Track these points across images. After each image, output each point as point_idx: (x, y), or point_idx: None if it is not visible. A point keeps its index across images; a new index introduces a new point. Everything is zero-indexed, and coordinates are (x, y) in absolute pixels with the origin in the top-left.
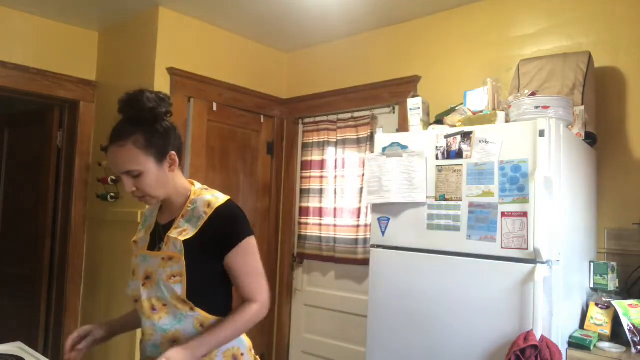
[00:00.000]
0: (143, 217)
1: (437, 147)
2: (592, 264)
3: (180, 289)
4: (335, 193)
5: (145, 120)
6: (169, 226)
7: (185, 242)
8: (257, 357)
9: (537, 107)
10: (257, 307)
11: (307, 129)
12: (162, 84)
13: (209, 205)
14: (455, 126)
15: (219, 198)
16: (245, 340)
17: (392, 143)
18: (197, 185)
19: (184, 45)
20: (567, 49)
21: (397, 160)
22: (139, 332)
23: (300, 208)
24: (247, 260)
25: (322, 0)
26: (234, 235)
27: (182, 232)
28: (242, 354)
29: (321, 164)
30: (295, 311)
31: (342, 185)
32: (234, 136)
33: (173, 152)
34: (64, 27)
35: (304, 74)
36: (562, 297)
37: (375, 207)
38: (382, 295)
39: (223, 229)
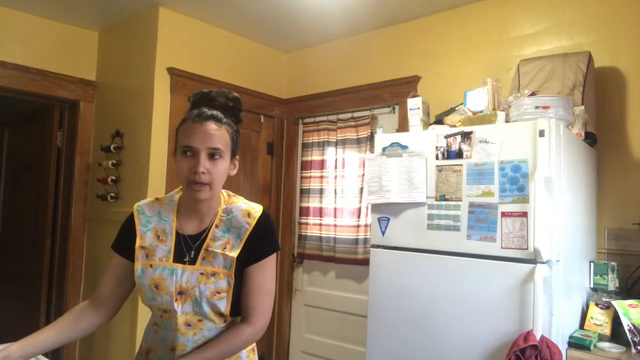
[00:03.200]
0: (138, 217)
1: (437, 147)
2: (592, 264)
3: (224, 305)
4: (335, 193)
5: (233, 114)
6: (199, 237)
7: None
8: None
9: (537, 107)
10: (250, 332)
11: (307, 129)
12: (162, 84)
13: (249, 214)
14: (455, 126)
15: (254, 207)
16: None
17: (392, 143)
18: (223, 191)
19: (184, 45)
20: (567, 49)
21: (397, 160)
22: (140, 333)
23: (300, 208)
24: (264, 276)
25: (322, 0)
26: (265, 249)
27: (226, 246)
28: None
29: (321, 164)
30: (295, 311)
31: (342, 185)
32: None
33: (237, 157)
34: (64, 27)
35: (304, 74)
36: (562, 297)
37: (375, 207)
38: (382, 295)
39: (260, 241)
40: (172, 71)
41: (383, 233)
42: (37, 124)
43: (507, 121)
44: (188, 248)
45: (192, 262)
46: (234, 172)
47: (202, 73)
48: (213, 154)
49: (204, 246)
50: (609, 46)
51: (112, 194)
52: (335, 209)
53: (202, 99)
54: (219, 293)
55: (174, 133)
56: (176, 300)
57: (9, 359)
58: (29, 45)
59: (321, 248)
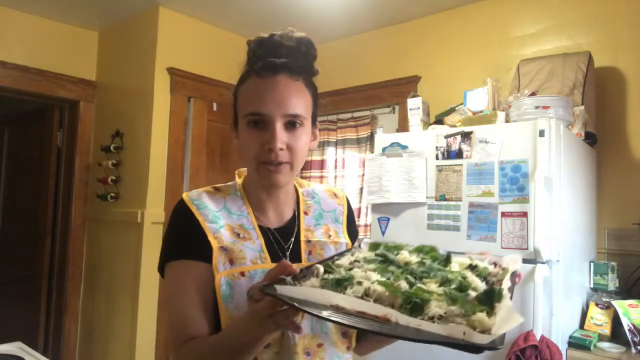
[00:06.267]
0: (200, 212)
1: (437, 147)
2: (592, 264)
3: None
4: None
5: (307, 62)
6: (287, 230)
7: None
8: None
9: (537, 107)
10: None
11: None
12: (162, 84)
13: (335, 195)
14: (455, 126)
15: (334, 187)
16: None
17: (392, 143)
18: None
19: (184, 45)
20: (567, 49)
21: (397, 160)
22: (140, 331)
23: None
24: None
25: (322, 0)
26: (356, 232)
27: (329, 234)
28: None
29: (321, 164)
30: None
31: (342, 185)
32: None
33: (318, 124)
34: (64, 27)
35: None
36: (562, 297)
37: (375, 207)
38: None
39: (352, 223)
40: (172, 71)
41: (383, 233)
42: (37, 124)
43: (507, 121)
44: (279, 245)
45: (294, 260)
46: (315, 144)
47: (202, 73)
48: (293, 123)
49: (302, 239)
50: (609, 46)
51: (112, 194)
52: None
53: (264, 47)
54: None
55: (174, 133)
56: None
57: None
58: (29, 45)
59: None
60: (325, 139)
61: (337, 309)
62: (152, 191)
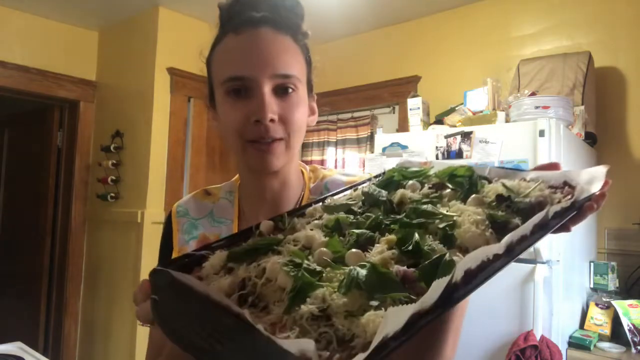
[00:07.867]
0: (179, 220)
1: (437, 147)
2: (592, 264)
3: None
4: None
5: (294, 23)
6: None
7: None
8: None
9: (537, 107)
10: None
11: (306, 129)
12: (162, 84)
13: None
14: (455, 126)
15: (360, 177)
16: None
17: (392, 143)
18: (304, 165)
19: (184, 45)
20: (567, 49)
21: (397, 160)
22: (140, 331)
23: None
24: None
25: (322, 0)
26: None
27: None
28: None
29: (321, 164)
30: None
31: None
32: None
33: (315, 96)
34: (64, 27)
35: None
36: (562, 297)
37: None
38: None
39: None
40: (172, 71)
41: None
42: (37, 124)
43: (507, 121)
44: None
45: None
46: (314, 120)
47: (202, 73)
48: (284, 86)
49: None
50: (609, 46)
51: (112, 194)
52: None
53: (239, 4)
54: None
55: (174, 133)
56: None
57: None
58: (29, 45)
59: None
60: (325, 139)
61: (207, 300)
62: (152, 191)
